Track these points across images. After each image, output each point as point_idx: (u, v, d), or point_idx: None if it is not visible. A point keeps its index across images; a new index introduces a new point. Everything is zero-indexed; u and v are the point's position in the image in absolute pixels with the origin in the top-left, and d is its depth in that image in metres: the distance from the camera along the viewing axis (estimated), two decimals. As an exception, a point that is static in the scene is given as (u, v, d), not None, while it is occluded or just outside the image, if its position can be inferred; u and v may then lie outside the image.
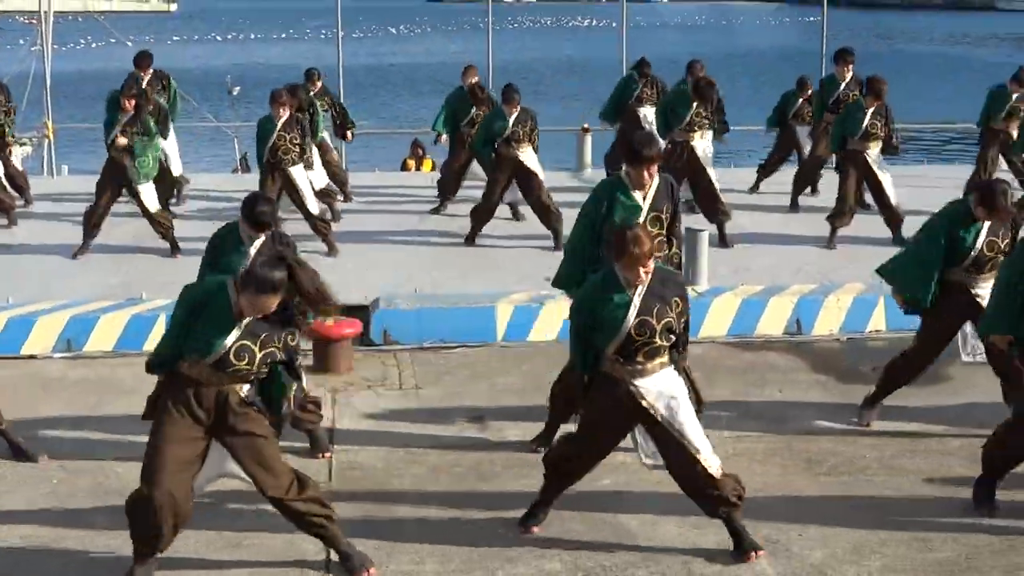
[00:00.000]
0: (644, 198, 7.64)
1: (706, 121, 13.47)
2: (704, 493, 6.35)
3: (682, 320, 6.41)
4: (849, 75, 15.07)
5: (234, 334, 5.87)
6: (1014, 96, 14.35)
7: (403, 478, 7.56)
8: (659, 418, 6.31)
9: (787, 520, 6.86)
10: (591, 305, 6.35)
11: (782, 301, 10.71)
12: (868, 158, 13.17)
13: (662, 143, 11.51)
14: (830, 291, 11.00)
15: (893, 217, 13.17)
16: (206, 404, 5.97)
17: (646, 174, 7.57)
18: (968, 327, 8.16)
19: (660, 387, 6.34)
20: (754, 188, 16.22)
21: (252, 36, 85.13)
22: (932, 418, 8.46)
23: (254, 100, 29.11)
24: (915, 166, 19.42)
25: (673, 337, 6.38)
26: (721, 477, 6.30)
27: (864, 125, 13.06)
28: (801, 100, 15.85)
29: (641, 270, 6.21)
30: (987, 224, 7.86)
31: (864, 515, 6.95)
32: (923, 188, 14.93)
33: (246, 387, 6.07)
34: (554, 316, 10.28)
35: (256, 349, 5.92)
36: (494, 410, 8.71)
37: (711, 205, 13.22)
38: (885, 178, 13.23)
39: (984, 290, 7.87)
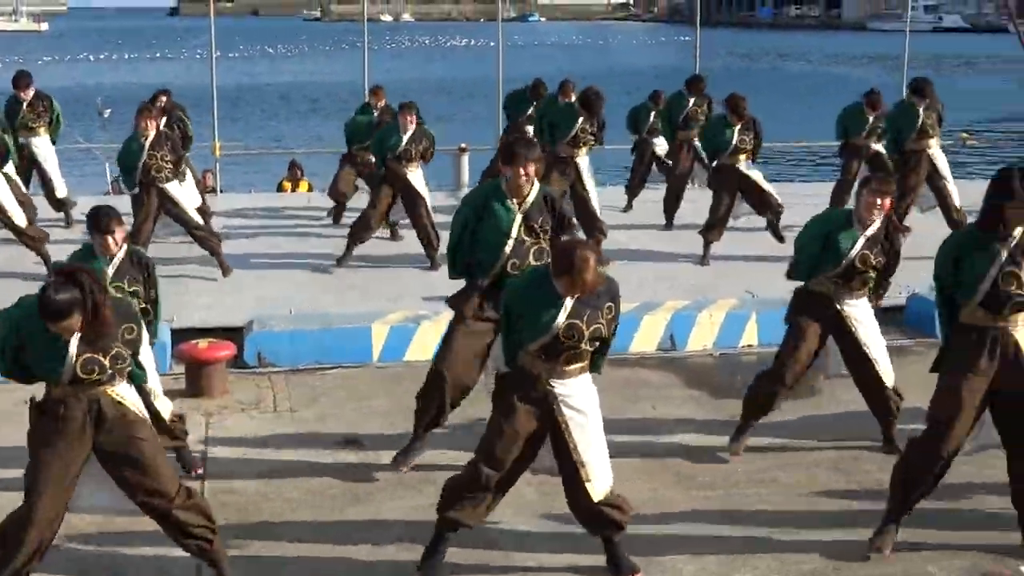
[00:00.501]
0: (519, 206, 7.59)
1: (591, 137, 13.54)
2: (585, 512, 6.34)
3: (612, 326, 6.30)
4: (697, 94, 15.39)
5: (71, 352, 5.73)
6: (871, 118, 14.63)
7: (277, 501, 7.49)
8: (563, 427, 6.25)
9: (659, 535, 6.92)
10: (523, 297, 6.21)
11: (656, 317, 10.82)
12: (740, 169, 13.41)
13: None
14: (703, 307, 11.14)
15: (773, 208, 13.48)
16: (79, 416, 5.81)
17: (523, 178, 7.49)
18: (831, 342, 8.20)
19: (574, 394, 6.26)
20: (627, 207, 16.40)
21: (126, 56, 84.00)
22: (800, 431, 8.60)
23: (126, 122, 28.77)
24: (787, 183, 19.77)
25: (599, 344, 6.29)
26: (603, 501, 6.27)
27: (734, 142, 13.26)
28: (654, 114, 16.15)
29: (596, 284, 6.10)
30: (865, 237, 7.89)
31: (735, 529, 7.04)
32: (795, 206, 15.16)
33: (120, 385, 5.94)
34: (430, 336, 10.26)
35: (101, 358, 5.77)
36: (369, 431, 8.67)
37: (590, 222, 13.30)
38: (757, 175, 13.55)
39: (850, 306, 8.00)
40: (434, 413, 7.87)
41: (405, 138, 13.14)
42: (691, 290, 12.10)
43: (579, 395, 6.29)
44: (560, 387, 6.24)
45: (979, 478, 7.46)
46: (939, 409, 6.58)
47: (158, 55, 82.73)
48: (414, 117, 13.29)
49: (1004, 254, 6.43)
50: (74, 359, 5.73)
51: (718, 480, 7.81)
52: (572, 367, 6.25)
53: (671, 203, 15.44)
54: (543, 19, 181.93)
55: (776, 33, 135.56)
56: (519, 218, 7.58)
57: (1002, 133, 39.81)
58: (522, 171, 7.48)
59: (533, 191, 7.62)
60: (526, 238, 7.57)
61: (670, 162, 15.97)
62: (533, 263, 7.49)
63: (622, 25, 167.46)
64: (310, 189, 19.92)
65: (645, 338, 10.77)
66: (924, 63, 72.77)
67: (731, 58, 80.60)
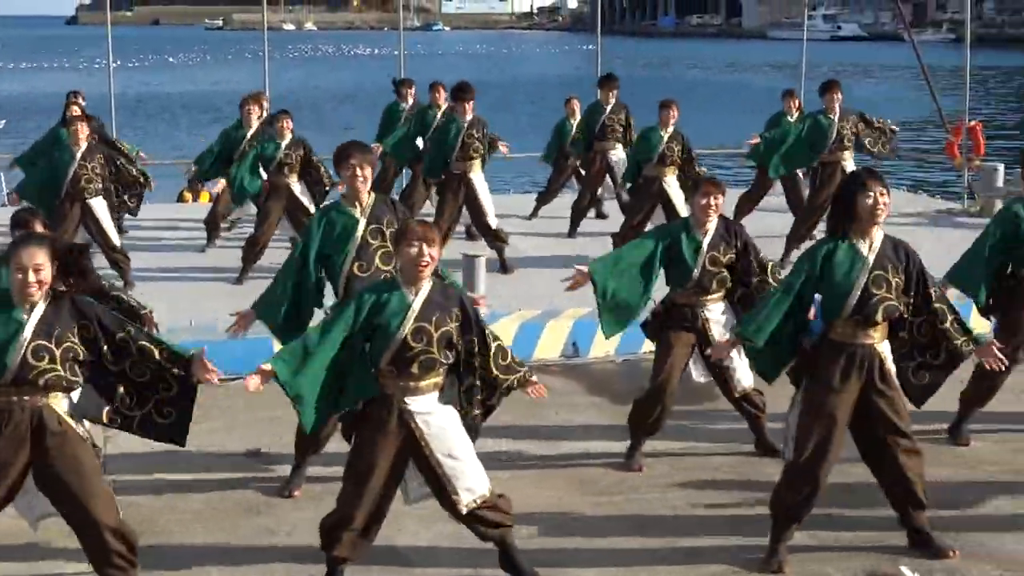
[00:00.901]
0: (361, 212, 7.54)
1: (480, 147, 13.51)
2: (466, 519, 6.29)
3: (472, 335, 6.22)
4: (613, 100, 15.38)
5: (25, 333, 5.59)
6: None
7: (177, 515, 7.42)
8: (424, 446, 6.18)
9: (561, 541, 6.96)
10: (371, 306, 6.13)
11: (559, 324, 10.87)
12: (664, 184, 13.46)
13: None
14: (554, 316, 11.18)
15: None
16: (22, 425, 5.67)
17: (359, 180, 7.41)
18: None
19: (431, 411, 6.18)
20: (533, 214, 16.44)
21: (23, 65, 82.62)
22: (698, 436, 8.70)
23: (22, 132, 28.37)
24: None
25: (451, 355, 6.20)
26: (480, 505, 6.23)
27: (660, 150, 13.32)
28: (574, 125, 16.13)
29: (418, 269, 6.08)
30: (707, 240, 8.01)
31: (636, 533, 7.10)
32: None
33: (64, 402, 5.79)
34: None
35: (54, 347, 5.63)
36: (271, 443, 8.61)
37: (488, 232, 13.30)
38: (677, 195, 13.50)
39: (710, 312, 8.12)
40: (311, 441, 7.69)
41: (283, 145, 13.11)
42: (593, 298, 12.12)
43: (436, 411, 6.21)
44: (415, 404, 6.16)
45: (871, 478, 7.57)
46: (812, 432, 6.55)
47: (55, 64, 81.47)
48: (290, 124, 13.25)
49: (871, 259, 6.53)
50: (27, 342, 5.57)
51: (620, 486, 7.87)
52: (426, 381, 6.17)
53: (578, 212, 15.49)
54: (447, 28, 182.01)
55: (678, 41, 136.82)
56: (363, 221, 7.51)
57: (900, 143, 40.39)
58: (358, 172, 7.41)
59: (373, 195, 7.56)
60: (371, 241, 7.52)
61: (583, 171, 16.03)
62: (381, 266, 7.46)
63: (526, 34, 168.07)
64: (210, 200, 19.70)
65: (548, 345, 10.82)
66: (823, 71, 73.98)
67: (634, 67, 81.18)
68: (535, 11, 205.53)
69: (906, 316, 6.67)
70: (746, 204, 15.09)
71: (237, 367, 10.08)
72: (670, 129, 13.41)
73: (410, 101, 15.72)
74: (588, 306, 11.52)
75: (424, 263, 6.08)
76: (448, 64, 75.71)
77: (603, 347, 10.84)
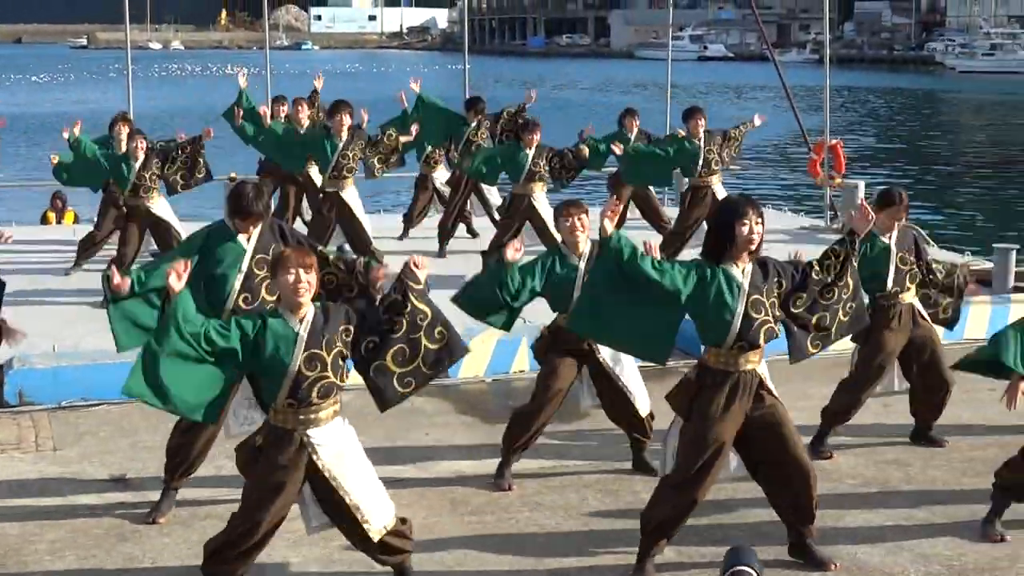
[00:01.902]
0: (248, 240, 7.49)
1: (354, 165, 13.46)
2: (371, 547, 6.31)
3: (368, 350, 6.14)
4: (477, 118, 15.45)
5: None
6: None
7: (41, 543, 7.25)
8: (326, 476, 6.13)
9: (433, 562, 6.94)
10: (254, 344, 6.04)
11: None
12: (533, 200, 13.52)
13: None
14: (475, 334, 11.19)
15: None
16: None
17: (251, 227, 7.45)
18: (585, 371, 8.30)
19: (331, 440, 6.13)
20: (403, 235, 16.39)
21: None
22: (569, 454, 8.75)
23: None
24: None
25: (348, 374, 6.16)
26: (388, 532, 6.25)
27: (527, 167, 13.39)
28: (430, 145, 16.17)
29: (297, 296, 6.01)
30: (583, 263, 8.02)
31: (507, 552, 7.11)
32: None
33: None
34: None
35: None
36: (138, 469, 8.47)
37: (367, 252, 13.21)
38: (548, 214, 13.54)
39: None
40: (180, 462, 7.60)
41: (136, 166, 12.97)
42: (463, 316, 12.14)
43: (336, 439, 6.18)
44: (317, 436, 6.12)
45: (740, 492, 7.69)
46: (696, 457, 6.58)
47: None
48: (144, 143, 13.13)
49: (746, 284, 6.61)
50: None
51: (492, 505, 7.88)
52: (326, 411, 6.14)
53: (445, 231, 15.50)
54: (317, 47, 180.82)
55: (548, 61, 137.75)
56: (251, 250, 7.47)
57: (761, 158, 41.25)
58: (252, 226, 7.48)
59: (259, 225, 7.52)
60: (258, 272, 7.46)
61: (448, 189, 16.04)
62: (267, 297, 7.41)
63: (397, 53, 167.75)
64: (76, 221, 19.35)
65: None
66: (690, 90, 75.09)
67: (500, 86, 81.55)
68: (405, 31, 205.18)
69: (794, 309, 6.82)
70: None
71: (102, 393, 9.95)
72: (534, 148, 13.53)
73: (281, 118, 15.59)
74: (458, 325, 11.58)
75: (302, 290, 6.01)
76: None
77: (473, 367, 10.87)
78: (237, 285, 7.44)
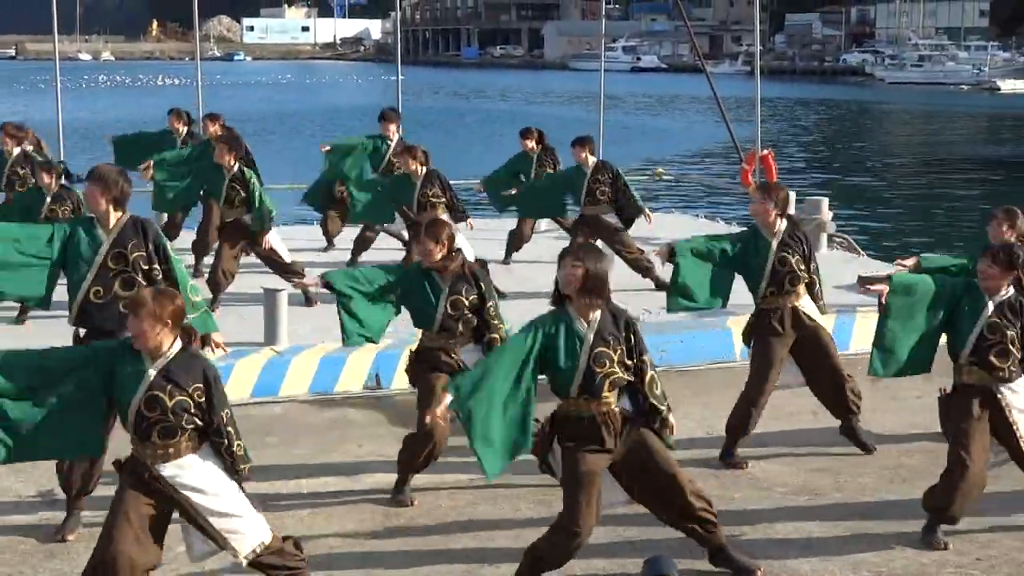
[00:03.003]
0: (107, 234, 7.46)
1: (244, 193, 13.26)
2: (258, 570, 6.24)
3: (206, 407, 5.97)
4: (396, 136, 15.31)
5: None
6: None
7: (-36, 563, 7.15)
8: (189, 507, 6.04)
9: (364, 574, 6.91)
10: (109, 373, 5.96)
11: (361, 356, 10.80)
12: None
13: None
14: (408, 344, 11.17)
15: None
16: None
17: (101, 205, 7.43)
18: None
19: (186, 472, 5.99)
20: (329, 246, 16.27)
21: None
22: (506, 468, 8.72)
23: None
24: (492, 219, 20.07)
25: (198, 421, 5.96)
26: (262, 552, 6.15)
27: (415, 196, 13.16)
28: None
29: (140, 344, 5.89)
30: (447, 286, 7.97)
31: (440, 564, 7.10)
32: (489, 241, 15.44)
33: None
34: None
35: None
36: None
37: (284, 269, 13.05)
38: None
39: (466, 354, 8.06)
40: (79, 482, 7.52)
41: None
42: (394, 328, 12.12)
43: (191, 472, 6.04)
44: (166, 470, 6.00)
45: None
46: (576, 497, 6.52)
47: None
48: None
49: (590, 337, 6.48)
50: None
51: (423, 516, 7.86)
52: (171, 449, 5.98)
53: (362, 241, 15.37)
54: (249, 58, 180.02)
55: (482, 72, 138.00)
56: (108, 243, 7.44)
57: (696, 167, 41.53)
58: (99, 203, 7.45)
59: (123, 216, 7.51)
60: (113, 266, 7.42)
61: None
62: (121, 292, 7.38)
63: (330, 64, 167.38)
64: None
65: (351, 377, 10.76)
66: (622, 101, 75.47)
67: (436, 96, 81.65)
68: (338, 42, 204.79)
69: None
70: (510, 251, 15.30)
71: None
72: (421, 174, 13.23)
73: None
74: (390, 337, 11.56)
75: (145, 341, 5.89)
76: (250, 94, 75.07)
77: (404, 379, 10.80)
78: (90, 278, 7.42)
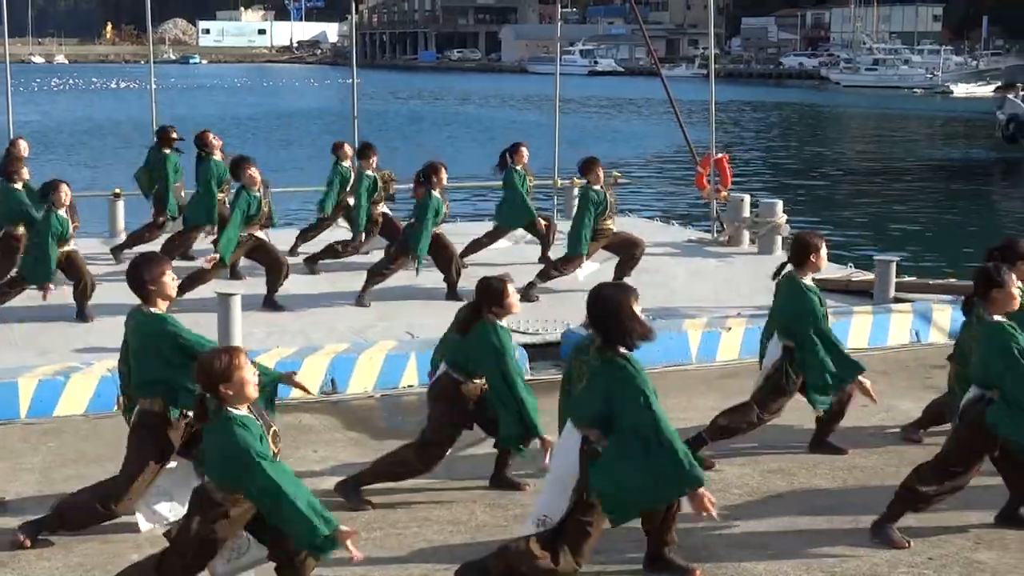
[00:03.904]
0: None
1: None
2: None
3: None
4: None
5: None
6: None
7: (-85, 570, 7.08)
8: None
9: (320, 580, 6.89)
10: None
11: (316, 360, 10.77)
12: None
13: None
14: (363, 349, 11.18)
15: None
16: None
17: None
18: None
19: None
20: (292, 251, 16.23)
21: None
22: (456, 470, 8.72)
23: None
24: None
25: None
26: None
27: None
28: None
29: None
30: None
31: (394, 568, 7.09)
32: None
33: None
34: (81, 389, 9.96)
35: None
36: (19, 491, 8.28)
37: (231, 272, 13.15)
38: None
39: None
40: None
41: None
42: (349, 332, 12.14)
43: None
44: None
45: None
46: None
47: None
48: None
49: None
50: None
51: (379, 520, 7.84)
52: None
53: (328, 252, 15.41)
54: (204, 61, 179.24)
55: (439, 75, 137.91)
56: None
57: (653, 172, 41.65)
58: None
59: None
60: None
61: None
62: None
63: (287, 67, 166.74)
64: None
65: (306, 382, 10.64)
66: (579, 104, 75.60)
67: (393, 100, 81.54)
68: (295, 45, 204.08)
69: None
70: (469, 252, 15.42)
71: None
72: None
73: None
74: (346, 342, 11.55)
75: None
76: (207, 98, 74.65)
77: (361, 383, 10.81)
78: None
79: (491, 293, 7.78)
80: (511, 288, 7.87)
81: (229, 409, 5.82)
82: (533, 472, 8.31)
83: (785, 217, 17.28)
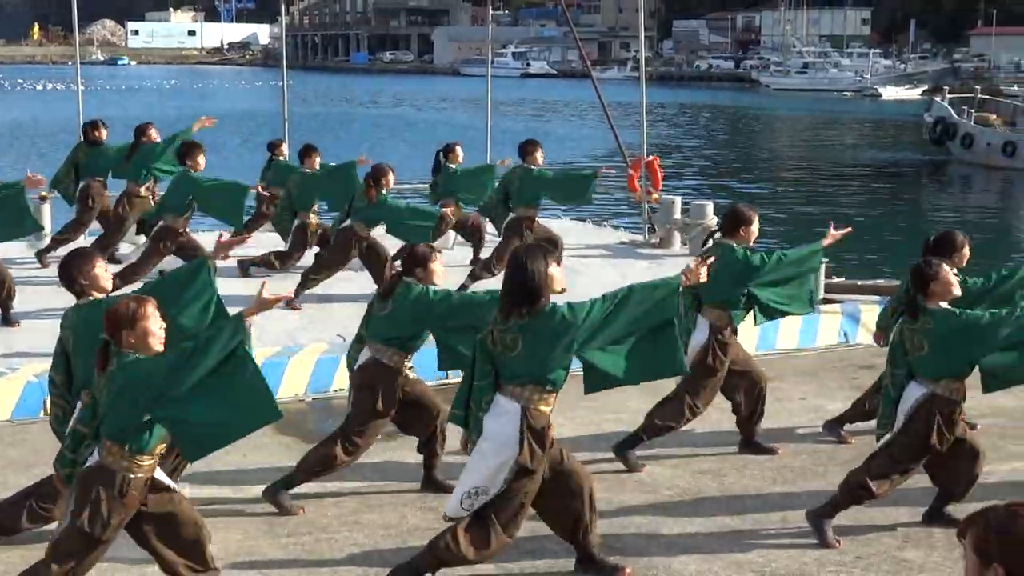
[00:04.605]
0: None
1: None
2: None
3: None
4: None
5: None
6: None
7: None
8: None
9: (249, 586, 6.85)
10: None
11: (247, 365, 10.67)
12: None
13: None
14: (294, 353, 11.11)
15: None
16: None
17: None
18: None
19: None
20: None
21: None
22: (387, 473, 8.71)
23: None
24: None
25: None
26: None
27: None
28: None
29: None
30: None
31: (326, 570, 7.05)
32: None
33: None
34: (5, 395, 9.84)
35: None
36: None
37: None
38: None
39: (407, 368, 8.15)
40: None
41: None
42: (281, 336, 12.06)
43: None
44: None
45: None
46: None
47: None
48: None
49: None
50: None
51: (308, 525, 7.79)
52: None
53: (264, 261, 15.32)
54: (134, 63, 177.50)
55: (372, 78, 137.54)
56: None
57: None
58: None
59: None
60: None
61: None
62: None
63: (218, 69, 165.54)
64: None
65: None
66: (512, 106, 75.67)
67: (325, 101, 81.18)
68: (226, 46, 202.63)
69: None
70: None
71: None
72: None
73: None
74: (277, 345, 11.47)
75: None
76: (138, 99, 73.97)
77: (293, 386, 10.74)
78: None
79: (416, 257, 7.84)
80: (438, 257, 7.91)
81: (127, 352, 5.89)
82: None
83: (716, 219, 17.36)
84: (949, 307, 7.42)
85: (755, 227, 8.96)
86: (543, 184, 14.36)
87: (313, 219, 14.85)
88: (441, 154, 15.38)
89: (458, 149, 15.45)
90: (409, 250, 8.04)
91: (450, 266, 14.73)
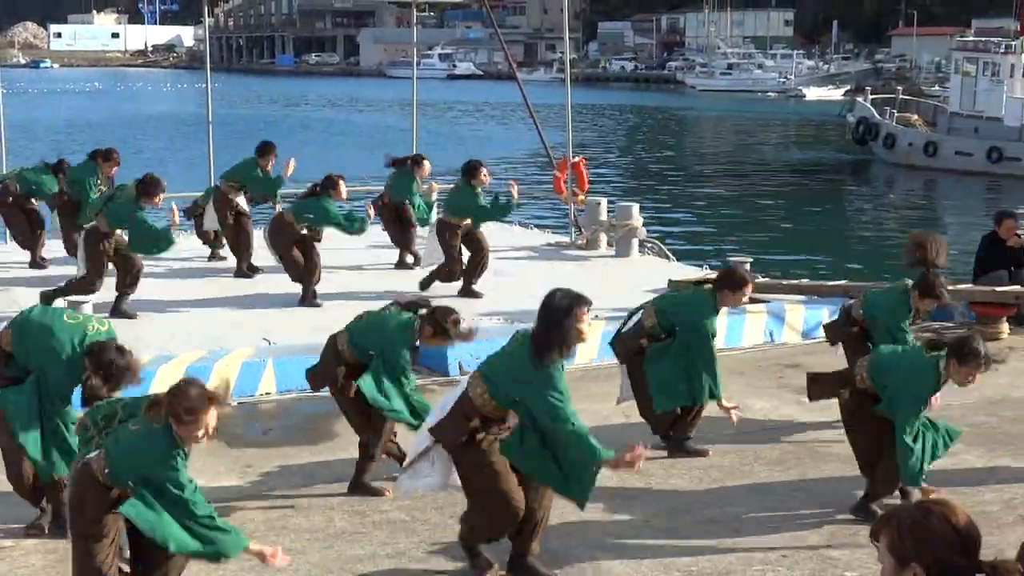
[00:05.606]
0: None
1: None
2: None
3: None
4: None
5: None
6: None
7: None
8: None
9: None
10: None
11: (170, 370, 10.53)
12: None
13: None
14: (219, 357, 11.01)
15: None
16: None
17: None
18: None
19: None
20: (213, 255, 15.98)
21: None
22: (316, 476, 8.66)
23: None
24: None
25: None
26: None
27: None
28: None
29: None
30: None
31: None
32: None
33: None
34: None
35: None
36: None
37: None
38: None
39: None
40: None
41: None
42: (206, 340, 11.95)
43: None
44: None
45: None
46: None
47: None
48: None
49: None
50: None
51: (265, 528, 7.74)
52: None
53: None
54: (56, 65, 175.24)
55: (297, 80, 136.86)
56: None
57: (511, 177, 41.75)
58: None
59: None
60: None
61: None
62: None
63: (143, 71, 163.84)
64: None
65: (158, 390, 10.49)
66: (438, 108, 75.61)
67: (249, 104, 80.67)
68: (150, 49, 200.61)
69: None
70: None
71: None
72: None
73: None
74: (202, 349, 11.37)
75: None
76: (61, 102, 73.08)
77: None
78: None
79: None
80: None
81: None
82: (395, 476, 8.27)
83: (641, 220, 17.44)
84: None
85: (743, 295, 8.98)
86: (476, 210, 14.21)
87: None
88: (411, 165, 15.53)
89: (426, 163, 15.69)
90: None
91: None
